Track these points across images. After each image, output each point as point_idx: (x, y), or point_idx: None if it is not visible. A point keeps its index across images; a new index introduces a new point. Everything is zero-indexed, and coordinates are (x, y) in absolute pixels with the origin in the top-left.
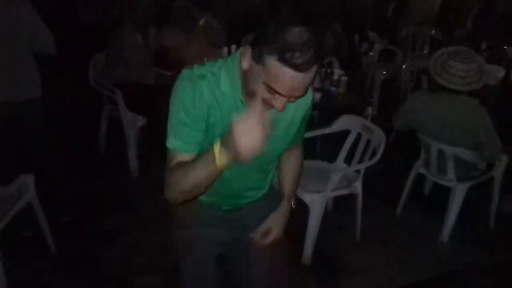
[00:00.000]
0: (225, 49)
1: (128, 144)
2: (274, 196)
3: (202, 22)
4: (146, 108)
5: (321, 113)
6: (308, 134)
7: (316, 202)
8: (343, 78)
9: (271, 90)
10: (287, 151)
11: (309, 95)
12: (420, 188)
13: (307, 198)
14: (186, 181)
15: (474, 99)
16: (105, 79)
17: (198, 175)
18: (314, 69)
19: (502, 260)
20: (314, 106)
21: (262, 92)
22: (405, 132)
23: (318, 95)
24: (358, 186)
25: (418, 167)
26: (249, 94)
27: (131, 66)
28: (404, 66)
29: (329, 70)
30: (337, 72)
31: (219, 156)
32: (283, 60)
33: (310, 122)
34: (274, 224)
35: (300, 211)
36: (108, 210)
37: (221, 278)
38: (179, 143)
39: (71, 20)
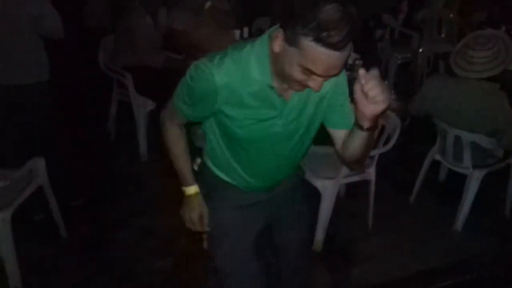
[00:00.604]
0: (237, 32)
1: (138, 128)
2: (299, 181)
3: (208, 4)
4: (156, 92)
5: None
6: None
7: (328, 189)
8: (357, 62)
9: (307, 71)
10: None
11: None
12: (434, 175)
13: (318, 184)
14: (168, 147)
15: (494, 84)
16: (114, 62)
17: (177, 165)
18: (349, 46)
19: None
20: None
21: (297, 74)
22: (420, 118)
23: None
24: (371, 173)
25: (434, 154)
26: (284, 77)
27: (141, 49)
28: (420, 50)
29: None
30: (352, 56)
31: (187, 192)
32: (319, 40)
33: None
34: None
35: (311, 197)
36: (118, 195)
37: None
38: (184, 108)
39: (80, 2)
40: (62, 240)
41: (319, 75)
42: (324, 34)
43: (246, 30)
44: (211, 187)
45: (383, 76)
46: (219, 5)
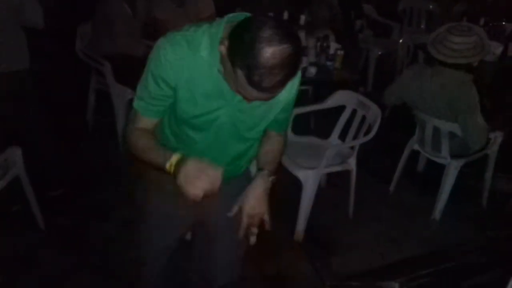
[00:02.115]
0: None
1: (117, 117)
2: (248, 181)
3: None
4: (136, 80)
5: (316, 88)
6: (302, 110)
7: (309, 179)
8: (339, 52)
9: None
10: (269, 137)
11: (297, 77)
12: (414, 165)
13: (300, 174)
14: (142, 156)
15: (468, 75)
16: (93, 50)
17: (151, 159)
18: (281, 88)
19: (495, 237)
20: (308, 81)
21: (232, 85)
22: (399, 109)
23: (313, 70)
24: (352, 163)
25: (413, 144)
26: (224, 73)
27: (120, 38)
28: (400, 41)
29: (325, 44)
30: (333, 46)
31: (170, 167)
32: (249, 80)
33: (303, 97)
34: (255, 200)
35: (292, 187)
36: (97, 185)
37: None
38: (143, 105)
39: None
40: (39, 232)
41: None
42: (256, 77)
43: None
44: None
45: (364, 67)
46: None
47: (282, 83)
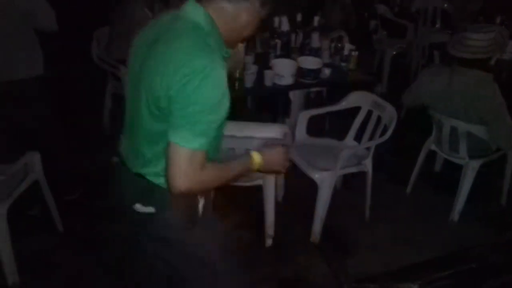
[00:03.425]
0: None
1: None
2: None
3: None
4: None
5: (330, 90)
6: (317, 111)
7: (325, 180)
8: (353, 53)
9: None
10: None
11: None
12: (431, 166)
13: (316, 176)
14: (222, 178)
15: (487, 74)
16: (109, 55)
17: (233, 176)
18: None
19: None
20: (322, 82)
21: (254, 30)
22: (416, 109)
23: (327, 71)
24: (368, 164)
25: (430, 144)
26: (242, 40)
27: None
28: (415, 41)
29: (339, 45)
30: (347, 47)
31: (258, 165)
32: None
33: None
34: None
35: (308, 189)
36: (112, 188)
37: None
38: (206, 141)
39: None
40: (58, 234)
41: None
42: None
43: None
44: None
45: (378, 68)
46: None
47: None
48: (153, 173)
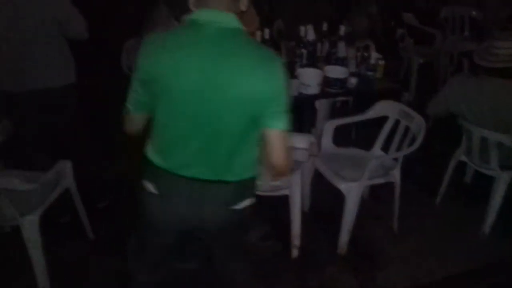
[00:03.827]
0: (259, 33)
1: None
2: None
3: None
4: None
5: (357, 99)
6: (343, 121)
7: (352, 191)
8: (380, 62)
9: None
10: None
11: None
12: (460, 176)
13: (342, 186)
14: None
15: None
16: None
17: None
18: None
19: None
20: (349, 91)
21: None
22: (444, 118)
23: (354, 80)
24: (396, 175)
25: (459, 155)
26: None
27: None
28: (443, 49)
29: (365, 54)
30: (374, 56)
31: None
32: None
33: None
34: None
35: (335, 199)
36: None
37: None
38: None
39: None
40: (88, 242)
41: None
42: None
43: (267, 31)
44: None
45: (405, 76)
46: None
47: None
48: (239, 172)
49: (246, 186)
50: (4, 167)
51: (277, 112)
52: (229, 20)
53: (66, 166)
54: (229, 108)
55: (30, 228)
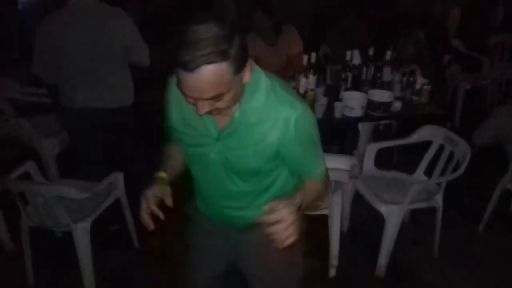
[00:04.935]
0: (305, 57)
1: None
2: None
3: (284, 29)
4: None
5: (400, 123)
6: (386, 144)
7: (393, 214)
8: (426, 87)
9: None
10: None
11: (293, 118)
12: (506, 205)
13: (383, 209)
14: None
15: None
16: None
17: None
18: (210, 70)
19: None
20: (393, 115)
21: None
22: (490, 145)
23: (398, 104)
24: (438, 200)
25: (505, 183)
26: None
27: None
28: (491, 76)
29: (411, 79)
30: (420, 80)
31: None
32: (176, 60)
33: (387, 132)
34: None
35: (374, 221)
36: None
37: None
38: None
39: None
40: (135, 251)
41: (187, 96)
42: (178, 54)
43: (313, 55)
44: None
45: (451, 102)
46: (292, 32)
47: (204, 60)
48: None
49: None
50: (60, 177)
51: None
52: None
53: (118, 178)
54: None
55: (82, 234)
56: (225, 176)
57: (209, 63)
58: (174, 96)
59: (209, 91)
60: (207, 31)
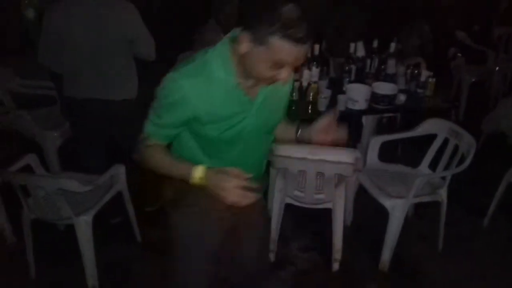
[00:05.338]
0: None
1: None
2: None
3: None
4: None
5: (404, 116)
6: (391, 137)
7: (397, 208)
8: (430, 80)
9: (276, 66)
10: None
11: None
12: (511, 199)
13: (387, 203)
14: (157, 167)
15: None
16: None
17: (170, 172)
18: (310, 39)
19: None
20: (397, 108)
21: (266, 71)
22: (495, 138)
23: (403, 97)
24: (443, 194)
25: (510, 177)
26: (251, 76)
27: None
28: (497, 69)
29: (416, 71)
30: (424, 73)
31: (196, 178)
32: (287, 36)
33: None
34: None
35: (378, 215)
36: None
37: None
38: (153, 130)
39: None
40: (136, 244)
41: (287, 67)
42: (291, 31)
43: (317, 47)
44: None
45: (456, 95)
46: None
47: (310, 32)
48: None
49: None
50: (61, 170)
51: None
52: (220, 46)
53: (120, 171)
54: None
55: (84, 227)
56: (259, 140)
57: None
58: (195, 92)
59: (303, 58)
60: (298, 9)
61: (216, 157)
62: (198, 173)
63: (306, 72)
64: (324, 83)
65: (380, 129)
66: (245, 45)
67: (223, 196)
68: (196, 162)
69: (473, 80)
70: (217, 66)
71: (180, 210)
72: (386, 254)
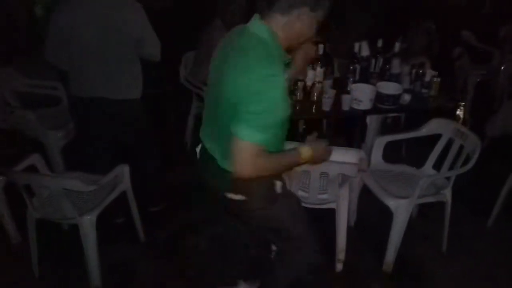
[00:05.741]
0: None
1: None
2: None
3: None
4: None
5: (409, 116)
6: (395, 137)
7: (401, 208)
8: (435, 79)
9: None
10: None
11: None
12: None
13: (391, 203)
14: (273, 169)
15: None
16: (195, 77)
17: (284, 166)
18: None
19: None
20: (402, 108)
21: (311, 33)
22: (500, 139)
23: (407, 97)
24: (447, 194)
25: None
26: (298, 43)
27: None
28: (502, 68)
29: (420, 71)
30: (429, 73)
31: (307, 157)
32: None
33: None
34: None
35: (382, 215)
36: (193, 201)
37: None
38: (262, 136)
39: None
40: (140, 244)
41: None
42: (327, 8)
43: (321, 46)
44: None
45: (461, 94)
46: None
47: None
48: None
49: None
50: (65, 170)
51: (241, 118)
52: (260, 30)
53: (124, 171)
54: (223, 104)
55: (88, 227)
56: None
57: None
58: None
59: None
60: None
61: (282, 137)
62: (307, 152)
63: (310, 72)
64: (328, 83)
65: (384, 129)
66: (305, 16)
67: (325, 159)
68: (279, 147)
69: (478, 80)
70: (274, 50)
71: (278, 202)
72: (390, 255)
